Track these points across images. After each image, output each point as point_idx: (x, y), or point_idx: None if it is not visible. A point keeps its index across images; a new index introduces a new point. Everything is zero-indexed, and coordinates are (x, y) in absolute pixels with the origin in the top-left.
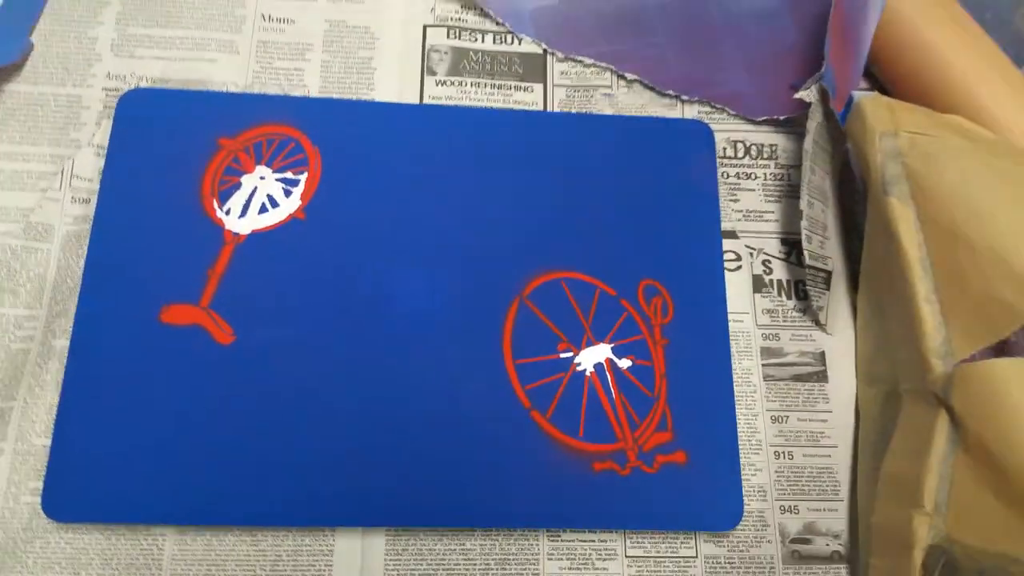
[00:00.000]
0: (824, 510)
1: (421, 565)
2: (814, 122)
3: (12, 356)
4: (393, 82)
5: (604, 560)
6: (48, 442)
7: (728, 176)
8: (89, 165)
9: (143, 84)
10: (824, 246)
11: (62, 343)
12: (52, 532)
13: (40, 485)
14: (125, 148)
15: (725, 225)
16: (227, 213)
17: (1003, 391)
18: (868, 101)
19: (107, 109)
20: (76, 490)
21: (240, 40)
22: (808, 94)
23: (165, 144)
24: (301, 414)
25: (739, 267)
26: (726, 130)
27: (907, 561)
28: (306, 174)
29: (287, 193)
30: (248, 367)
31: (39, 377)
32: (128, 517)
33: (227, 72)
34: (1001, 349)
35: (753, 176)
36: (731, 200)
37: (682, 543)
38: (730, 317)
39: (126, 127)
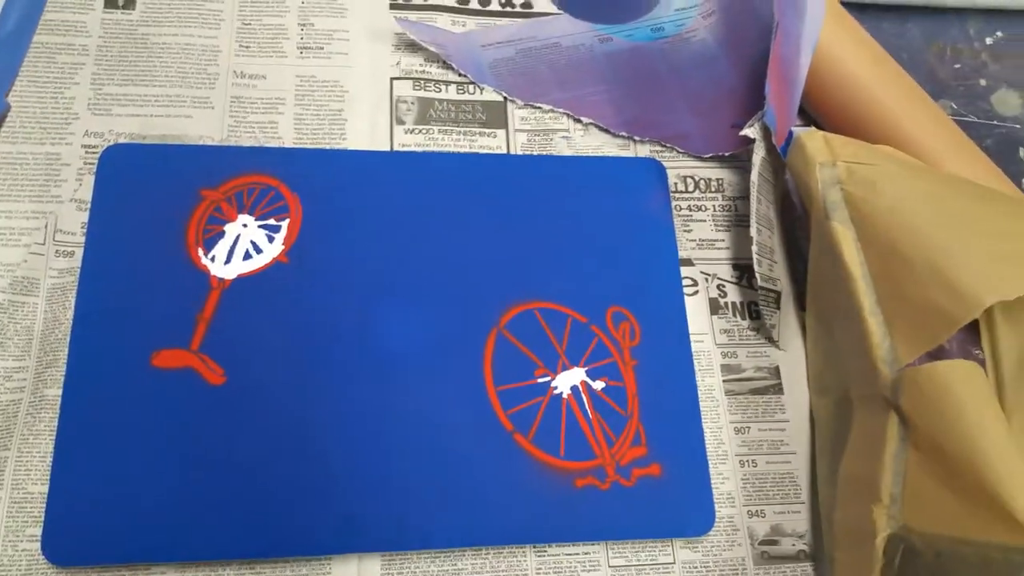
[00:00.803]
0: (788, 512)
1: None
2: (758, 156)
3: (4, 407)
4: (364, 132)
5: (589, 571)
6: (44, 489)
7: (681, 209)
8: (72, 220)
9: (121, 140)
10: (773, 269)
11: (53, 392)
12: None
13: (38, 531)
14: (109, 201)
15: (681, 253)
16: (212, 260)
17: (946, 390)
18: (807, 135)
19: (87, 165)
20: (75, 534)
21: (214, 96)
22: (752, 131)
23: (148, 196)
24: (294, 448)
25: (696, 291)
26: (677, 167)
27: (869, 550)
28: (287, 220)
29: (270, 239)
30: (240, 406)
31: (32, 427)
32: (128, 557)
33: (203, 127)
34: (938, 353)
35: (704, 208)
36: (685, 231)
37: (660, 550)
38: (692, 338)
39: (109, 181)
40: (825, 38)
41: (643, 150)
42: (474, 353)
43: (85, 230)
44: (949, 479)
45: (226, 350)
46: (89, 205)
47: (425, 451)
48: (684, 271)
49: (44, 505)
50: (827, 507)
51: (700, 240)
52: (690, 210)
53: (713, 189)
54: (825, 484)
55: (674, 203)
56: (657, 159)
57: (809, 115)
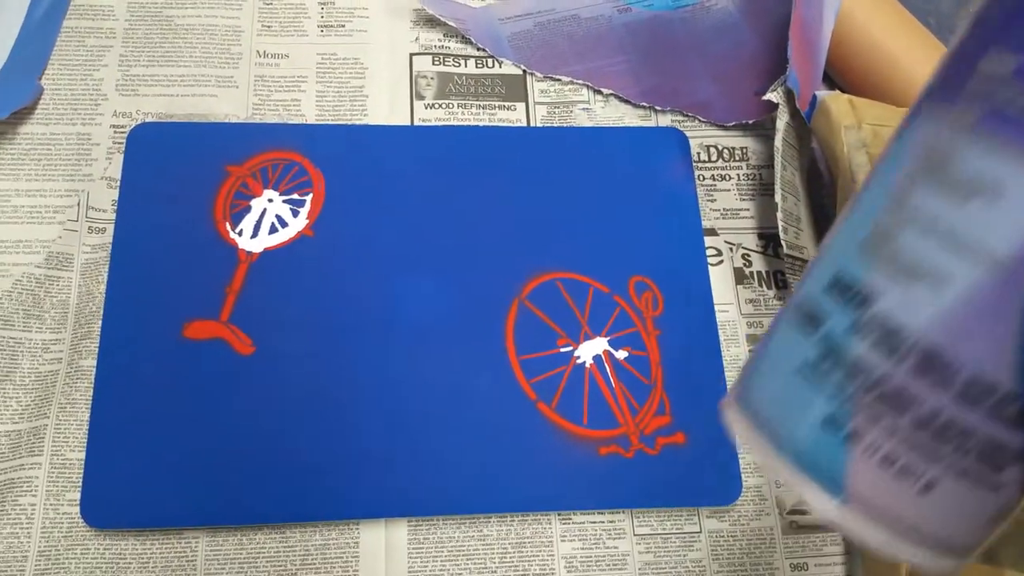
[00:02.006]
0: None
1: (442, 552)
2: (782, 121)
3: (42, 378)
4: (385, 108)
5: (614, 539)
6: (82, 455)
7: (704, 178)
8: (103, 197)
9: (148, 119)
10: (799, 237)
11: (89, 363)
12: (91, 539)
13: (77, 496)
14: (138, 179)
15: (705, 223)
16: (239, 234)
17: None
18: (831, 98)
19: (116, 144)
20: (112, 498)
21: (238, 75)
22: (775, 96)
23: (176, 173)
24: (321, 416)
25: (721, 261)
26: (699, 136)
27: None
28: (311, 194)
29: (295, 213)
30: (269, 375)
31: (69, 396)
32: (162, 522)
33: (228, 105)
34: None
35: (728, 177)
36: (708, 200)
37: (686, 519)
38: (716, 308)
39: (137, 159)
40: (848, 1)
41: (664, 120)
42: (496, 323)
43: (116, 207)
44: None
45: (255, 321)
46: (119, 183)
47: (450, 419)
48: (708, 241)
49: (82, 471)
50: None
51: (724, 210)
52: (714, 179)
53: (737, 158)
54: None
55: (697, 173)
56: (679, 129)
57: (833, 80)
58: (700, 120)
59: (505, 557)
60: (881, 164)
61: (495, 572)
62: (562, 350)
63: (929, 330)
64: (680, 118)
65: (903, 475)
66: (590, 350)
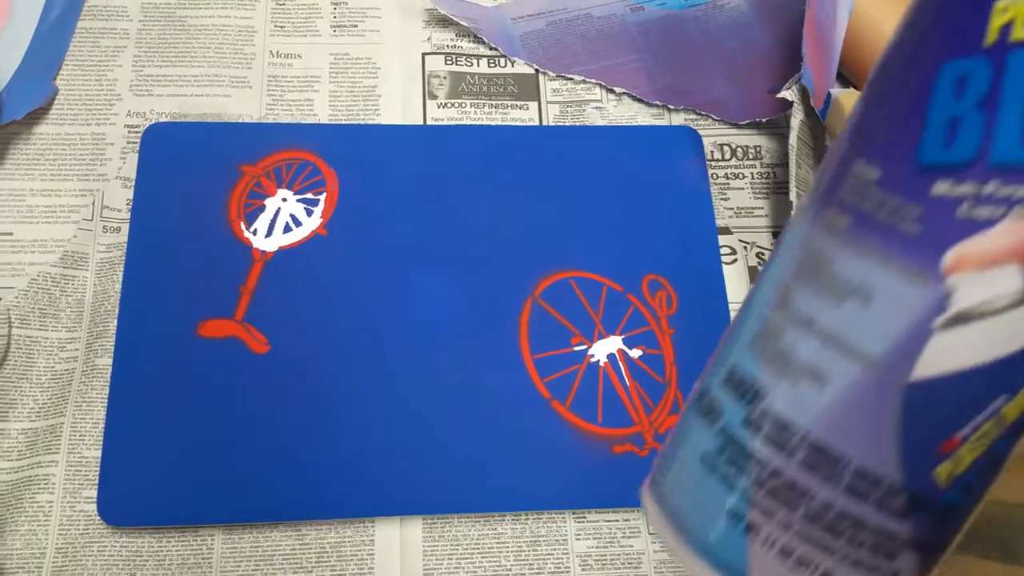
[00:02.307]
0: None
1: (457, 550)
2: (797, 119)
3: (58, 376)
4: (397, 107)
5: (629, 537)
6: (98, 453)
7: (717, 177)
8: (117, 196)
9: (162, 119)
10: None
11: (104, 361)
12: (108, 536)
13: (94, 494)
14: (152, 178)
15: (719, 222)
16: (254, 233)
17: None
18: (845, 96)
19: (130, 144)
20: (129, 496)
21: (251, 75)
22: (790, 94)
23: (190, 173)
24: (336, 414)
25: (735, 260)
26: (712, 135)
27: None
28: (325, 194)
29: (308, 212)
30: (284, 373)
31: (85, 394)
32: (178, 519)
33: (241, 105)
34: None
35: (741, 176)
36: (722, 199)
37: None
38: (730, 307)
39: (151, 159)
40: None
41: (677, 119)
42: (510, 322)
43: (130, 206)
44: None
45: (269, 320)
46: (133, 182)
47: (464, 417)
48: (722, 239)
49: (99, 469)
50: None
51: (738, 208)
52: (727, 178)
53: (750, 156)
54: None
55: (711, 171)
56: (692, 127)
57: (847, 78)
58: (713, 119)
59: (520, 555)
60: (770, 261)
61: (510, 570)
62: (576, 349)
63: (815, 426)
64: (693, 117)
65: (800, 567)
66: (604, 349)
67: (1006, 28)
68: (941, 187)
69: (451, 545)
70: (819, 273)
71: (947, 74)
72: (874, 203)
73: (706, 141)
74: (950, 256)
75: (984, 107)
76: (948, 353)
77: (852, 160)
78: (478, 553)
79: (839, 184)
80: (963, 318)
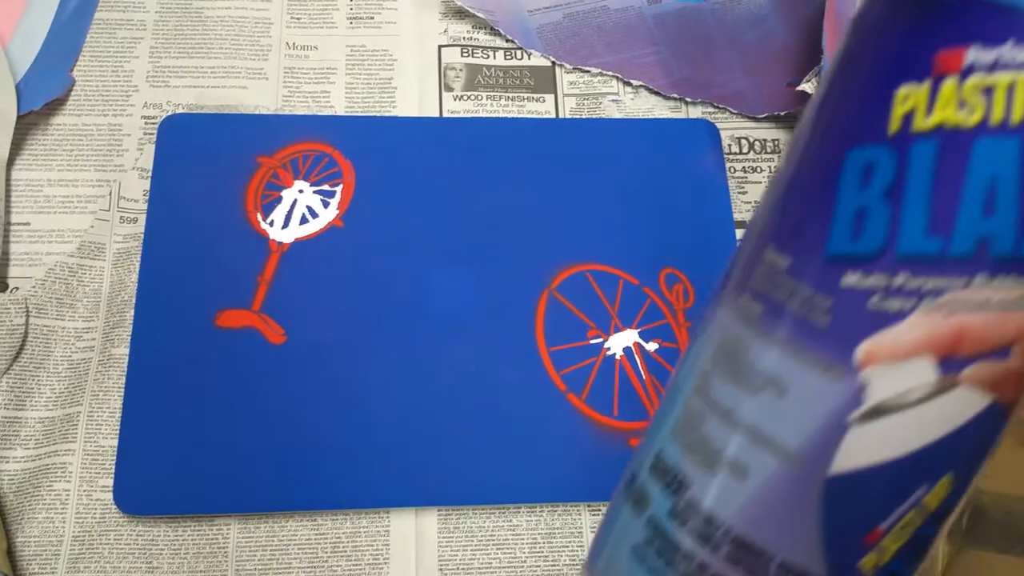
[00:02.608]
0: None
1: (472, 541)
2: None
3: (75, 365)
4: (413, 100)
5: None
6: (115, 443)
7: (735, 171)
8: (134, 187)
9: (179, 111)
10: None
11: (121, 351)
12: (124, 525)
13: (110, 482)
14: (169, 169)
15: (736, 216)
16: (271, 225)
17: None
18: None
19: (147, 135)
20: (145, 485)
21: (268, 67)
22: (809, 86)
23: (206, 164)
24: (352, 404)
25: None
26: (730, 128)
27: None
28: (341, 186)
29: (325, 204)
30: (300, 363)
31: (102, 384)
32: (194, 508)
33: (258, 97)
34: None
35: (759, 170)
36: (740, 193)
37: None
38: None
39: (168, 150)
40: None
41: (695, 112)
42: (526, 314)
43: (147, 197)
44: (1022, 437)
45: (286, 310)
46: (150, 173)
47: (480, 409)
48: (740, 233)
49: (115, 458)
50: None
51: (756, 202)
52: (745, 172)
53: (768, 150)
54: None
55: (728, 165)
56: (710, 120)
57: None
58: (731, 112)
59: (535, 547)
60: (690, 347)
61: (525, 562)
62: (592, 342)
63: (737, 520)
64: (711, 110)
65: None
66: (620, 342)
67: (908, 117)
68: (851, 278)
69: (466, 536)
70: (735, 362)
71: (853, 162)
72: (785, 292)
73: (724, 134)
74: (862, 349)
75: (890, 197)
76: (866, 446)
77: (764, 246)
78: (493, 545)
79: (752, 270)
80: (879, 411)
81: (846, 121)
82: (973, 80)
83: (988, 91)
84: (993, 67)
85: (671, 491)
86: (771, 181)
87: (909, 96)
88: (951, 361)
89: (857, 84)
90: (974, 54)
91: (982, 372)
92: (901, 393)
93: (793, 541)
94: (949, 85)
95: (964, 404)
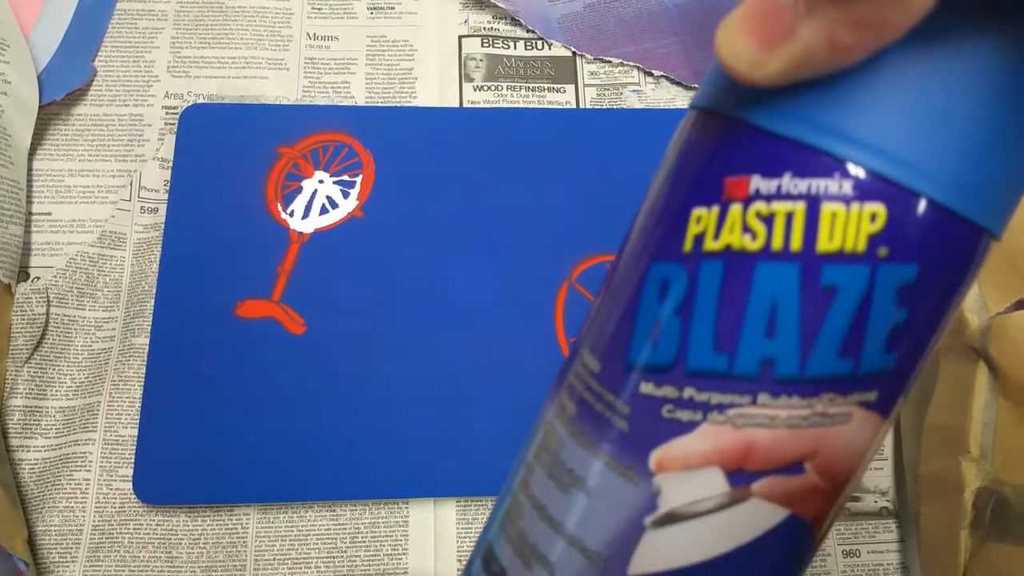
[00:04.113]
0: (870, 468)
1: None
2: None
3: (95, 355)
4: (433, 90)
5: None
6: (135, 432)
7: None
8: (155, 177)
9: (200, 101)
10: None
11: (141, 341)
12: (144, 514)
13: (130, 472)
14: (190, 160)
15: None
16: (291, 215)
17: None
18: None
19: (168, 125)
20: (164, 474)
21: (288, 57)
22: None
23: (227, 154)
24: (371, 395)
25: None
26: None
27: (958, 504)
28: (361, 176)
29: (345, 194)
30: (320, 354)
31: (122, 373)
32: (213, 498)
33: (278, 87)
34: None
35: None
36: None
37: None
38: None
39: (189, 140)
40: None
41: None
42: (546, 305)
43: (168, 187)
44: None
45: (306, 300)
46: (171, 163)
47: (499, 400)
48: None
49: (135, 447)
50: (912, 461)
51: None
52: None
53: None
54: (910, 437)
55: None
56: None
57: None
58: None
59: None
60: (528, 436)
61: None
62: None
63: None
64: None
65: None
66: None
67: (699, 237)
68: (646, 387)
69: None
70: (551, 458)
71: (653, 276)
72: (593, 395)
73: None
74: (655, 456)
75: (681, 313)
76: (661, 551)
77: (580, 348)
78: None
79: (571, 370)
80: (672, 518)
81: (650, 237)
82: (755, 207)
83: (769, 219)
84: (774, 196)
85: None
86: (597, 290)
87: (701, 218)
88: (740, 474)
89: (661, 203)
90: (757, 182)
91: (773, 486)
92: (692, 501)
93: None
94: (735, 210)
95: (758, 516)
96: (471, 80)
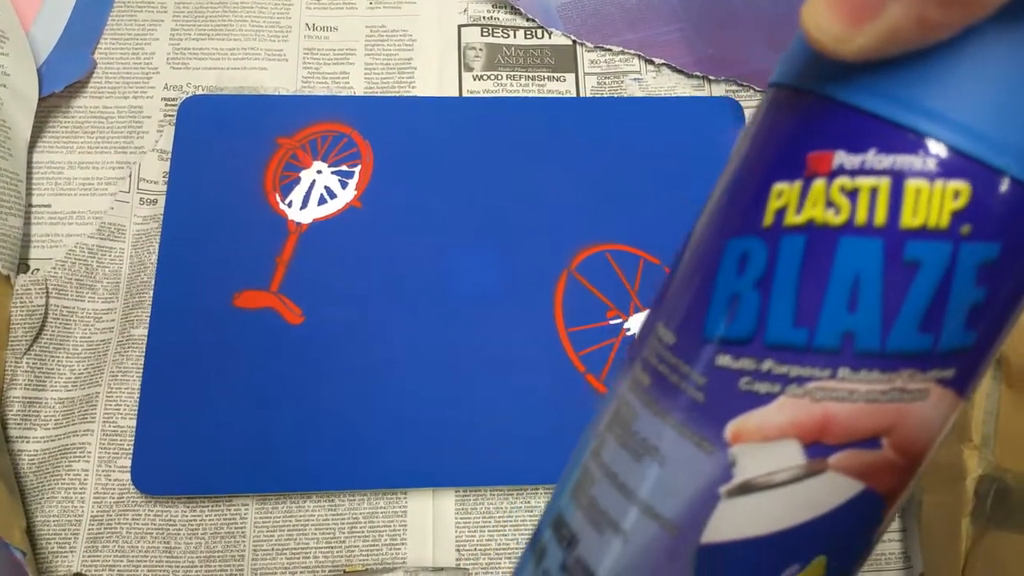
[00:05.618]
0: None
1: (489, 522)
2: None
3: (94, 346)
4: (433, 80)
5: None
6: (133, 423)
7: None
8: (154, 169)
9: (199, 92)
10: None
11: (140, 332)
12: (142, 505)
13: (128, 462)
14: (189, 151)
15: None
16: (289, 205)
17: None
18: None
19: (167, 117)
20: (163, 465)
21: (287, 48)
22: None
23: (226, 145)
24: (370, 386)
25: None
26: (754, 106)
27: (960, 492)
28: (359, 166)
29: (343, 184)
30: (318, 344)
31: (120, 364)
32: (212, 489)
33: (277, 78)
34: None
35: None
36: None
37: None
38: None
39: (188, 132)
40: None
41: (718, 90)
42: (545, 295)
43: (167, 179)
44: None
45: (304, 291)
46: (170, 155)
47: (498, 390)
48: None
49: (133, 438)
50: None
51: None
52: None
53: None
54: None
55: None
56: (733, 98)
57: None
58: (755, 89)
59: None
60: (596, 411)
61: None
62: (612, 322)
63: None
64: (735, 87)
65: None
66: (640, 322)
67: (781, 212)
68: (723, 359)
69: (483, 517)
70: (624, 428)
71: (731, 250)
72: (668, 367)
73: (748, 112)
74: (731, 427)
75: (761, 286)
76: (735, 520)
77: (656, 322)
78: (510, 525)
79: (644, 343)
80: (747, 488)
81: (728, 213)
82: (839, 182)
83: (853, 194)
84: (858, 172)
85: (564, 546)
86: (671, 265)
87: (782, 193)
88: (817, 446)
89: (742, 178)
90: (841, 158)
91: (850, 460)
92: (767, 473)
93: None
94: (818, 185)
95: (833, 490)
96: (471, 69)
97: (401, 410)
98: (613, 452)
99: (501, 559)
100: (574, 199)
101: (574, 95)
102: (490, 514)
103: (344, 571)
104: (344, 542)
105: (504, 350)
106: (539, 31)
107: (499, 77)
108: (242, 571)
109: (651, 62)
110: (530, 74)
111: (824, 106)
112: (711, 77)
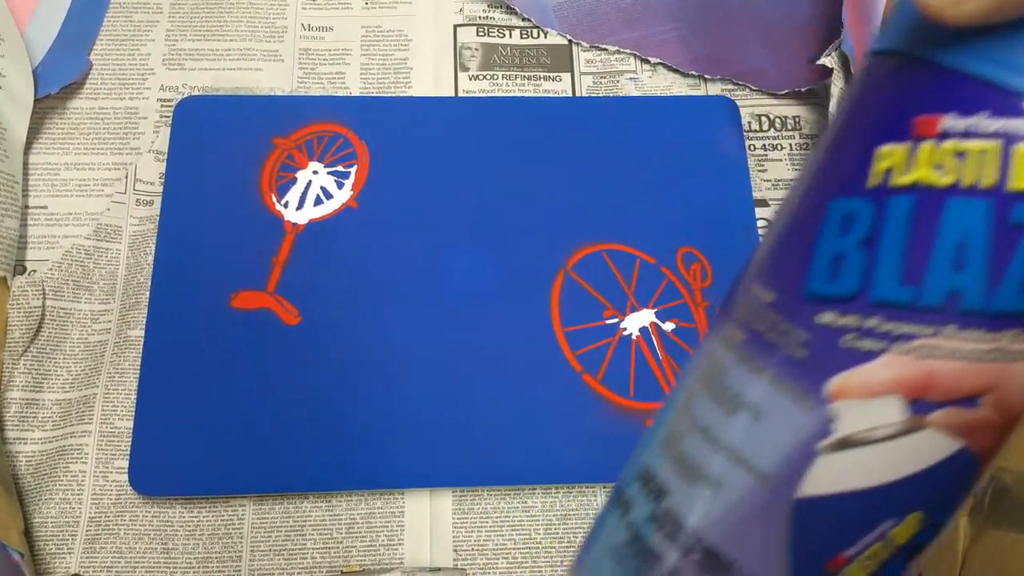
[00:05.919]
0: None
1: (487, 522)
2: (837, 87)
3: (91, 348)
4: (429, 80)
5: None
6: (130, 424)
7: (755, 148)
8: (150, 170)
9: (195, 93)
10: None
11: (137, 333)
12: (140, 506)
13: (126, 464)
14: (184, 152)
15: (756, 194)
16: (285, 206)
17: None
18: None
19: (163, 118)
20: (160, 466)
21: (283, 49)
22: (830, 60)
23: (222, 146)
24: (367, 386)
25: None
26: (750, 105)
27: None
28: (355, 166)
29: (339, 185)
30: (315, 345)
31: (117, 365)
32: (209, 489)
33: (273, 79)
34: None
35: (779, 147)
36: (760, 171)
37: None
38: None
39: (184, 132)
40: None
41: (714, 89)
42: (541, 295)
43: (163, 179)
44: None
45: (300, 292)
46: (166, 156)
47: (495, 390)
48: (759, 212)
49: (131, 439)
50: None
51: (776, 180)
52: (765, 149)
53: (789, 127)
54: None
55: (748, 143)
56: (729, 97)
57: None
58: (751, 89)
59: (550, 528)
60: (685, 366)
61: (540, 543)
62: (608, 322)
63: (709, 530)
64: (730, 87)
65: None
66: (637, 322)
67: (887, 173)
68: (826, 317)
69: (481, 517)
70: (716, 384)
71: (834, 211)
72: (766, 324)
73: (744, 111)
74: (833, 384)
75: (866, 245)
76: (833, 475)
77: (752, 281)
78: (508, 526)
79: (738, 301)
80: (846, 443)
81: (831, 174)
82: (948, 144)
83: (962, 155)
84: (967, 134)
85: (652, 498)
86: (767, 227)
87: (889, 154)
88: (919, 403)
89: (844, 142)
90: (950, 121)
91: (950, 418)
92: (868, 428)
93: (759, 557)
94: (926, 147)
95: (931, 447)
96: (466, 69)
97: (398, 410)
98: (704, 407)
99: (498, 559)
100: (570, 199)
101: (570, 95)
102: (487, 514)
103: (341, 571)
104: (341, 543)
105: (501, 350)
106: (535, 31)
107: (495, 77)
108: (240, 572)
109: (647, 61)
110: (526, 74)
111: (932, 71)
112: (707, 76)
